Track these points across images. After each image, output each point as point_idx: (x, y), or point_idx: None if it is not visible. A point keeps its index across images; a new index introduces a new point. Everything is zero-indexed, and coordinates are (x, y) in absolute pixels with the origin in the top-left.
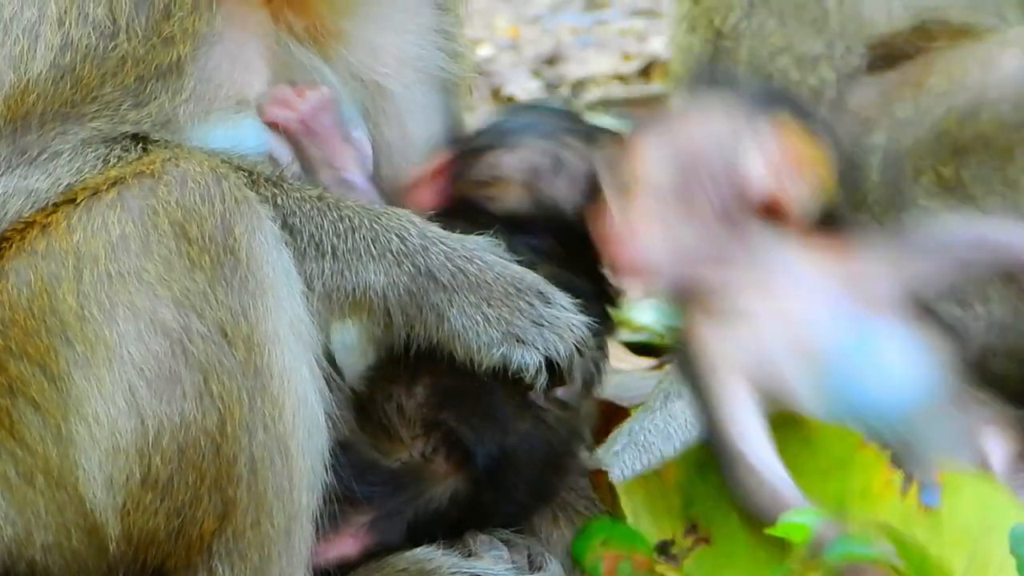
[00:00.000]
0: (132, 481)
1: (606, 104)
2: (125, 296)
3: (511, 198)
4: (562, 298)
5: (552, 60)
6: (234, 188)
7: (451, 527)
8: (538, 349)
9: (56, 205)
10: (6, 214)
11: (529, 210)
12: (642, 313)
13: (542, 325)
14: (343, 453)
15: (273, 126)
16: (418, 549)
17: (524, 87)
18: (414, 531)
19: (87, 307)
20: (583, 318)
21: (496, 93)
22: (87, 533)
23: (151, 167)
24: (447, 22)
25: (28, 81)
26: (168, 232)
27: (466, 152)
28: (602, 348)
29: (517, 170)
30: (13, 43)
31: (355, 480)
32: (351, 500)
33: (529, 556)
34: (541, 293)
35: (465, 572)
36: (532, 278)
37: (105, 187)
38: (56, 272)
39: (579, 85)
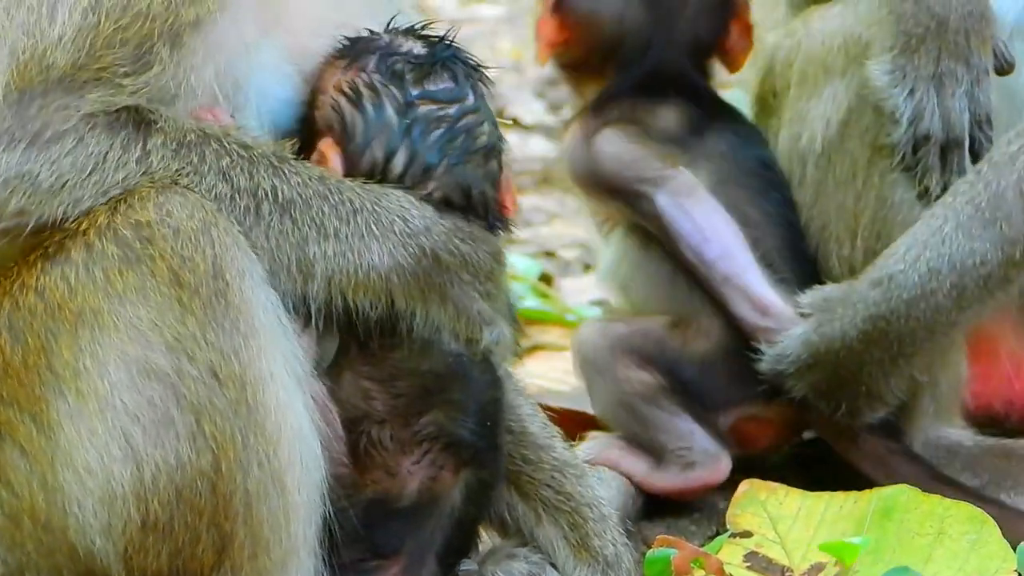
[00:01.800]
0: (132, 526)
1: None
2: (119, 345)
3: None
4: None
5: (556, 81)
6: (223, 233)
7: (472, 527)
8: (507, 318)
9: (45, 262)
10: (8, 206)
11: None
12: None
13: (506, 295)
14: (360, 515)
15: None
16: None
17: (528, 108)
18: (442, 559)
19: (82, 361)
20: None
21: (500, 114)
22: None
23: (145, 216)
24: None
25: (48, 44)
26: (165, 279)
27: None
28: None
29: None
30: (32, 7)
31: (377, 536)
32: (379, 554)
33: (529, 572)
34: (506, 261)
35: None
36: (499, 244)
37: (99, 239)
38: (54, 329)
39: None
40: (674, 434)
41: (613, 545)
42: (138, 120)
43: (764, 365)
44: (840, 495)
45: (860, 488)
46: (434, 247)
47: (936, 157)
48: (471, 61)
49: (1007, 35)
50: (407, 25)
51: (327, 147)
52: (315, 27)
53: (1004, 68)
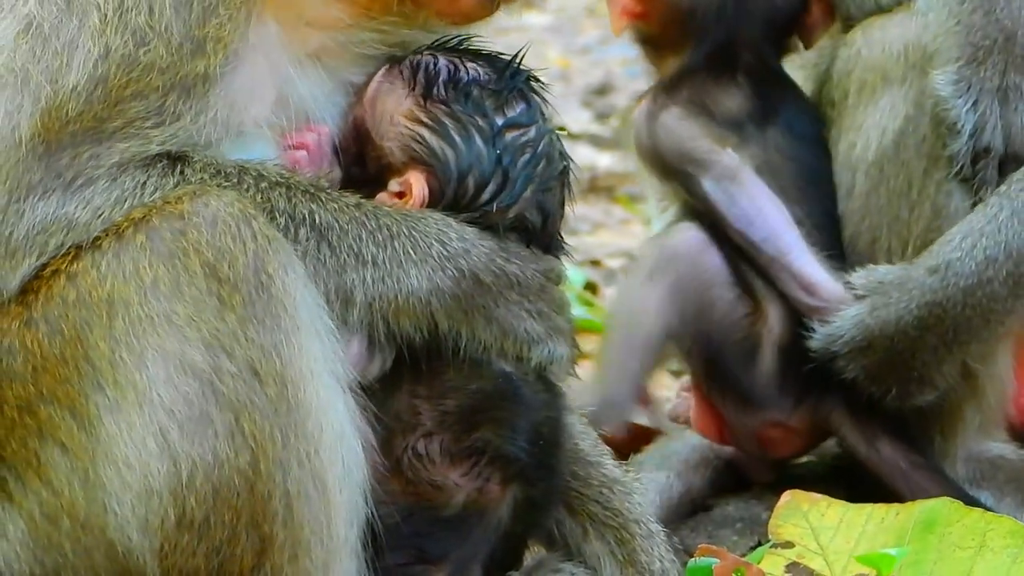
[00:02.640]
0: (168, 523)
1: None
2: (155, 339)
3: None
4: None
5: (602, 90)
6: (264, 227)
7: (520, 541)
8: (565, 337)
9: (79, 249)
10: (47, 246)
11: None
12: None
13: (556, 312)
14: (406, 521)
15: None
16: None
17: (575, 118)
18: (488, 568)
19: (118, 351)
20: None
21: None
22: (120, 574)
23: (179, 207)
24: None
25: (64, 94)
26: (199, 273)
27: None
28: None
29: None
30: (52, 56)
31: (424, 542)
32: (425, 559)
33: None
34: (560, 276)
35: None
36: (556, 265)
37: (132, 230)
38: (88, 319)
39: (629, 115)
40: (612, 380)
41: (660, 561)
42: (173, 158)
43: (815, 343)
44: (882, 507)
45: (902, 500)
46: (473, 268)
47: (994, 170)
48: (533, 78)
49: None
50: (456, 41)
51: (416, 179)
52: (363, 50)
53: None
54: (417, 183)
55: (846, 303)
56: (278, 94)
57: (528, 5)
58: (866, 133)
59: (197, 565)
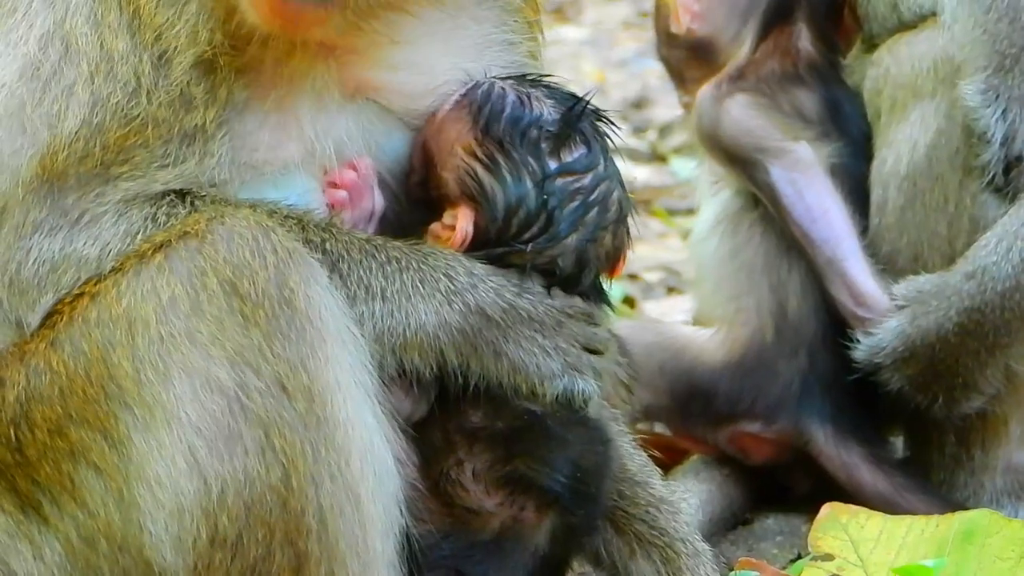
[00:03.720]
0: (200, 541)
1: (692, 148)
2: (179, 357)
3: None
4: (601, 315)
5: (639, 104)
6: (284, 240)
7: (559, 566)
8: (591, 375)
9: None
10: (60, 282)
11: None
12: None
13: (592, 351)
14: (445, 541)
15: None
16: None
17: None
18: None
19: (142, 371)
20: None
21: None
22: None
23: (196, 227)
24: (510, 30)
25: (61, 138)
26: (217, 291)
27: None
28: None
29: None
30: (52, 101)
31: (462, 562)
32: None
33: None
34: (588, 315)
35: None
36: (579, 302)
37: (151, 251)
38: (110, 338)
39: (666, 129)
40: None
41: None
42: (181, 193)
43: (859, 355)
44: (922, 518)
45: (942, 511)
46: (480, 303)
47: None
48: (601, 122)
49: None
50: (529, 76)
51: (463, 216)
52: (425, 79)
53: None
54: (464, 219)
55: (889, 314)
56: (298, 133)
57: (564, 19)
58: (897, 148)
59: None
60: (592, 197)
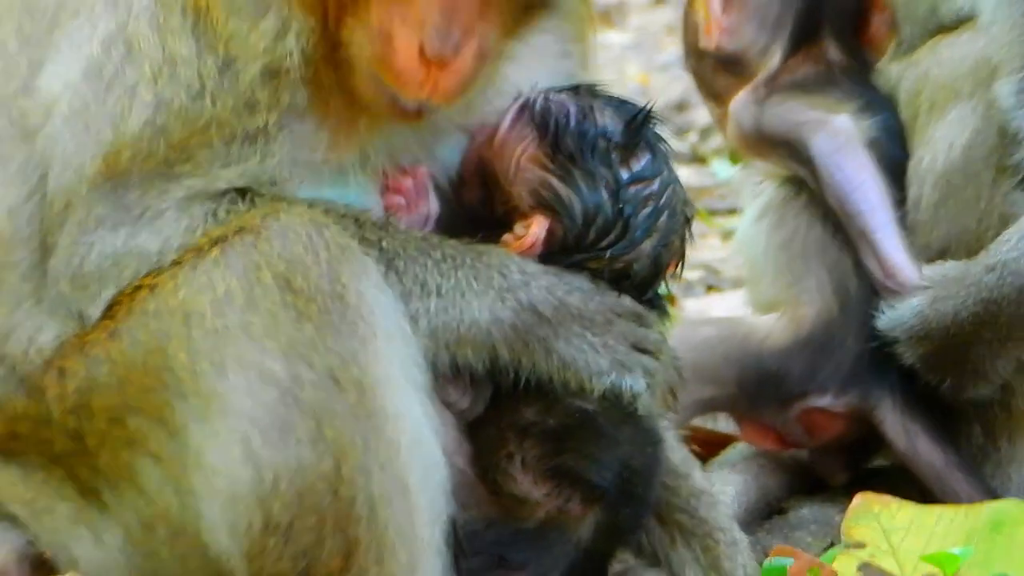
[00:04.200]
0: (254, 527)
1: (731, 156)
2: (233, 350)
3: None
4: (651, 316)
5: (681, 106)
6: (336, 236)
7: (601, 558)
8: (640, 373)
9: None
10: (121, 276)
11: None
12: None
13: (641, 349)
14: (490, 528)
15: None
16: None
17: None
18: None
19: (198, 362)
20: (663, 331)
21: None
22: None
23: (251, 223)
24: (565, 40)
25: (124, 138)
26: (272, 286)
27: None
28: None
29: None
30: (115, 101)
31: (506, 549)
32: (505, 565)
33: None
34: (638, 315)
35: None
36: (628, 302)
37: (208, 245)
38: (167, 330)
39: (706, 131)
40: None
41: (743, 569)
42: (241, 190)
43: (882, 324)
44: (951, 508)
45: (937, 500)
46: (532, 300)
47: None
48: (660, 130)
49: None
50: (583, 86)
51: (538, 223)
52: (482, 89)
53: None
54: (538, 225)
55: (915, 291)
56: (355, 137)
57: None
58: (934, 147)
59: (284, 568)
60: (662, 202)
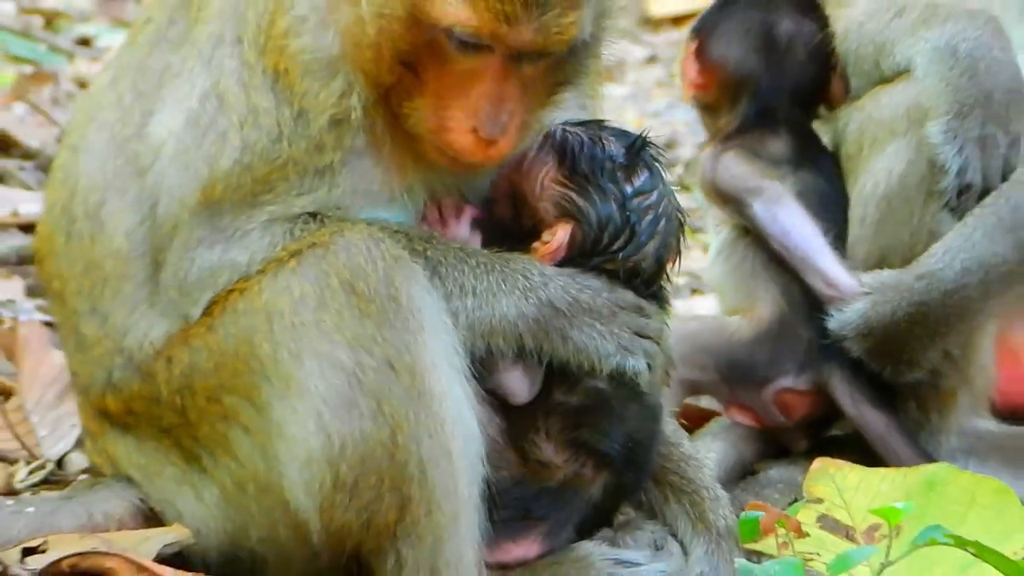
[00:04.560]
0: (325, 486)
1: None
2: (308, 342)
3: None
4: (650, 307)
5: (669, 145)
6: (390, 248)
7: (608, 512)
8: (642, 355)
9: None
10: (217, 283)
11: None
12: None
13: (642, 336)
14: (517, 487)
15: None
16: (577, 545)
17: None
18: (580, 529)
19: (279, 351)
20: (663, 321)
21: None
22: (293, 528)
23: (321, 239)
24: (581, 95)
25: (218, 174)
26: (338, 289)
27: None
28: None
29: None
30: (210, 144)
31: (531, 504)
32: (530, 517)
33: (654, 540)
34: (639, 307)
35: (611, 558)
36: (631, 297)
37: (287, 257)
38: (253, 325)
39: (690, 164)
40: None
41: (724, 520)
42: (312, 214)
43: (832, 325)
44: (893, 470)
45: (886, 463)
46: (550, 297)
47: (975, 202)
48: (657, 151)
49: None
50: (592, 121)
51: (563, 229)
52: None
53: None
54: (563, 231)
55: (857, 297)
56: (403, 173)
57: (611, 79)
58: (876, 175)
59: (350, 519)
60: (660, 210)
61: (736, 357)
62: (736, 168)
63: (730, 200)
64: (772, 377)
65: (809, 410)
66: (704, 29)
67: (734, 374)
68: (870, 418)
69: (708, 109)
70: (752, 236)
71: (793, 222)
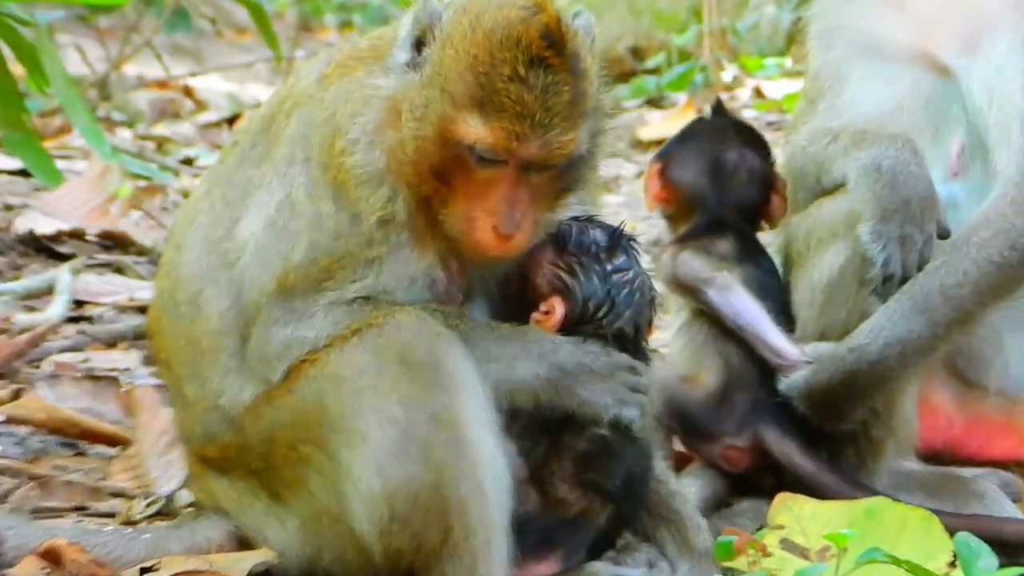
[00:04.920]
0: (384, 518)
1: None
2: (368, 402)
3: None
4: (641, 366)
5: (656, 243)
6: (432, 326)
7: (613, 536)
8: (635, 407)
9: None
10: (291, 355)
11: None
12: None
13: (635, 390)
14: (540, 518)
15: None
16: (587, 564)
17: None
18: (590, 551)
19: (345, 410)
20: (650, 377)
21: None
22: (358, 551)
23: (376, 320)
24: (583, 202)
25: (289, 267)
26: (392, 360)
27: None
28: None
29: None
30: (284, 243)
31: (551, 532)
32: (550, 542)
33: (648, 560)
34: (632, 367)
35: (614, 574)
36: (625, 358)
37: (349, 334)
38: (323, 389)
39: None
40: None
41: (704, 543)
42: (366, 297)
43: (781, 387)
44: (840, 503)
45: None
46: (559, 362)
47: (896, 287)
48: (632, 239)
49: (944, 212)
50: (583, 216)
51: (558, 304)
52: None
53: (944, 235)
54: (559, 306)
55: (800, 365)
56: (433, 262)
57: (608, 190)
58: (821, 267)
59: (404, 544)
60: (635, 285)
61: (689, 413)
62: (692, 262)
63: (688, 289)
64: (717, 434)
65: (750, 462)
66: (667, 155)
67: (688, 428)
68: (799, 465)
69: (669, 218)
70: (705, 317)
71: (743, 304)
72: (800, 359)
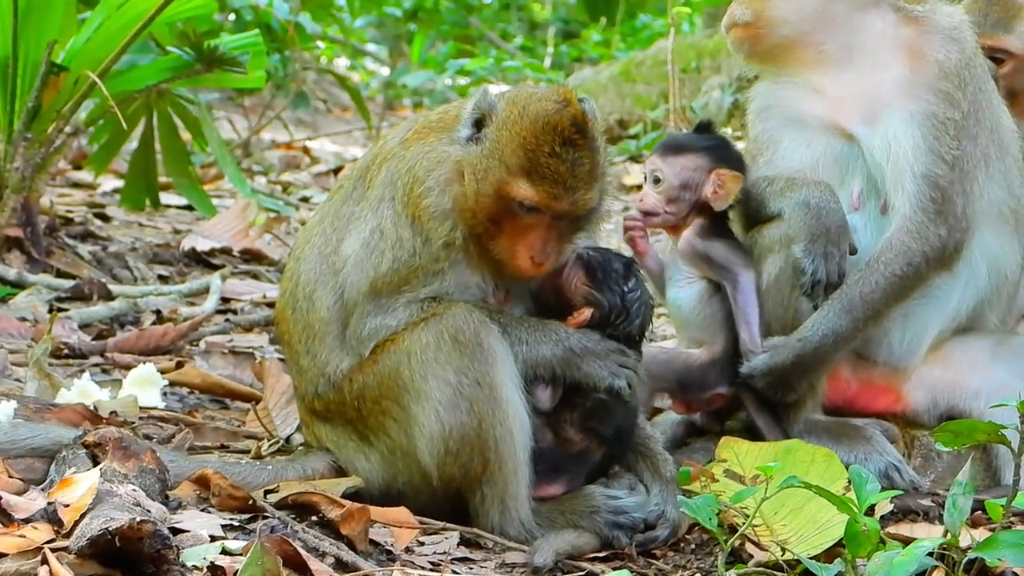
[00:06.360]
0: (441, 452)
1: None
2: (430, 369)
3: None
4: (630, 351)
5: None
6: (479, 316)
7: (605, 467)
8: (624, 378)
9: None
10: (378, 337)
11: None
12: None
13: (624, 367)
14: (552, 453)
15: None
16: (585, 486)
17: None
18: (587, 478)
19: (414, 376)
20: (639, 358)
21: None
22: (422, 477)
23: (438, 311)
24: (591, 243)
25: (378, 275)
26: (448, 340)
27: None
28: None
29: None
30: (375, 258)
31: (559, 463)
32: (558, 470)
33: (629, 484)
34: (622, 351)
35: (604, 493)
36: (615, 345)
37: (418, 322)
38: (399, 360)
39: None
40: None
41: (670, 472)
42: (432, 297)
43: (743, 370)
44: (768, 444)
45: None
46: (570, 345)
47: (822, 290)
48: (640, 267)
49: (854, 234)
50: (602, 247)
51: (587, 311)
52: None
53: (853, 251)
54: (587, 312)
55: (759, 352)
56: (482, 276)
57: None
58: (766, 276)
59: (455, 472)
60: (642, 300)
61: (693, 374)
62: (723, 246)
63: (718, 265)
64: (711, 386)
65: (726, 404)
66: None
67: (688, 384)
68: (757, 414)
69: (670, 226)
70: (719, 296)
71: (752, 297)
72: (760, 348)
